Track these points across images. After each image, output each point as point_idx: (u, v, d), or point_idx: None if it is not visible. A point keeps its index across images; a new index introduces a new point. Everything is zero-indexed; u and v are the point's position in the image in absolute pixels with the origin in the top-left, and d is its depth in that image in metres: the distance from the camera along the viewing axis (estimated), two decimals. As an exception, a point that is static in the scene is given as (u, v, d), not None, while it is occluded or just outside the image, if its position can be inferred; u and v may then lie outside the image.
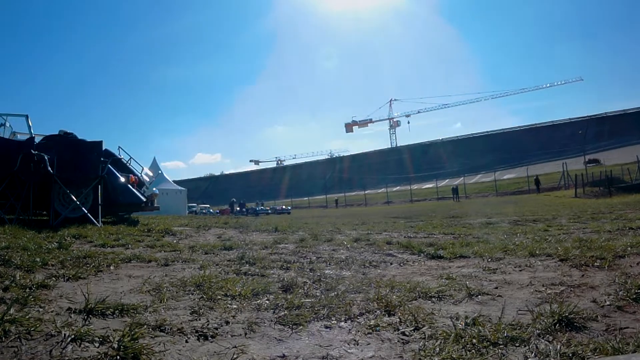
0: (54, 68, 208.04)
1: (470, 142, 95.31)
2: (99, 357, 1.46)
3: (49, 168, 6.17)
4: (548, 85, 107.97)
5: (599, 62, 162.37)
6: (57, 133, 7.39)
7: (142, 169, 8.97)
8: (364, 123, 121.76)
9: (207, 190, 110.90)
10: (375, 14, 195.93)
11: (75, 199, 6.34)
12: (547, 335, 1.69)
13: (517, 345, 1.60)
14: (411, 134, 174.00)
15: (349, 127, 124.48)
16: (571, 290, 2.41)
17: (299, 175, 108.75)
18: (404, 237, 5.61)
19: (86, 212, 6.35)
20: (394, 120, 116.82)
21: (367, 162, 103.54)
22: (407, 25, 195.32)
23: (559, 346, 1.55)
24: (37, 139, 6.97)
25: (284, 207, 49.48)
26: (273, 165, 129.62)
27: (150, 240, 4.94)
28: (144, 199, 7.63)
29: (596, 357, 1.47)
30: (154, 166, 25.33)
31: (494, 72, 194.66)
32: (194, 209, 40.35)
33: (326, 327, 1.87)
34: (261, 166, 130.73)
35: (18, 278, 2.43)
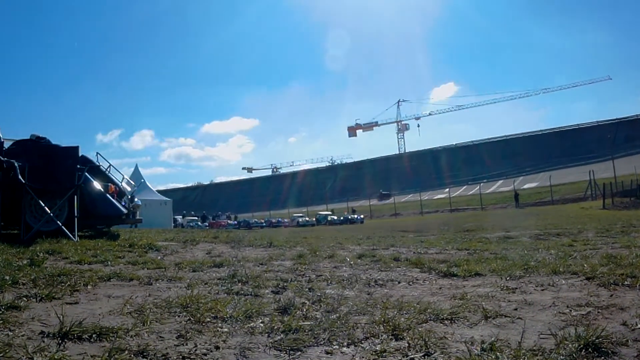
0: (24, 66, 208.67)
1: (488, 147, 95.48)
2: (75, 386, 1.46)
3: (20, 176, 6.19)
4: (573, 85, 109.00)
5: (629, 57, 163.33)
6: (28, 138, 7.43)
7: (123, 177, 8.98)
8: (368, 126, 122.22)
9: (195, 200, 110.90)
10: (383, 5, 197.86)
11: (48, 211, 6.34)
12: (572, 362, 1.69)
13: (539, 372, 1.60)
14: (422, 139, 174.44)
15: (351, 131, 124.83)
16: (599, 312, 2.42)
17: (298, 183, 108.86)
18: (413, 253, 5.61)
19: (61, 225, 6.35)
20: (402, 123, 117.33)
21: (373, 170, 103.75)
22: (414, 19, 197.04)
23: (584, 374, 1.56)
24: (7, 145, 6.99)
25: (356, 215, 46.27)
26: (268, 173, 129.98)
27: (132, 256, 4.93)
28: (125, 211, 7.63)
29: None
30: (136, 175, 25.44)
31: (514, 71, 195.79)
32: (180, 221, 40.41)
33: (327, 352, 1.88)
34: (255, 174, 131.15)
35: (-15, 298, 2.43)
